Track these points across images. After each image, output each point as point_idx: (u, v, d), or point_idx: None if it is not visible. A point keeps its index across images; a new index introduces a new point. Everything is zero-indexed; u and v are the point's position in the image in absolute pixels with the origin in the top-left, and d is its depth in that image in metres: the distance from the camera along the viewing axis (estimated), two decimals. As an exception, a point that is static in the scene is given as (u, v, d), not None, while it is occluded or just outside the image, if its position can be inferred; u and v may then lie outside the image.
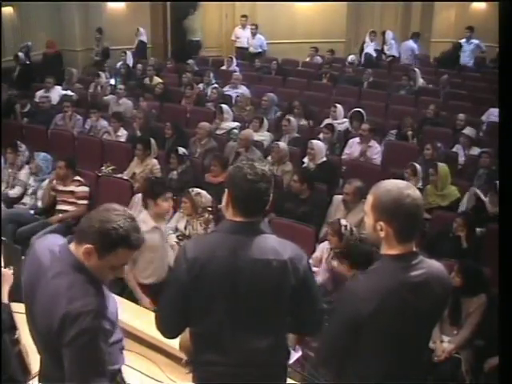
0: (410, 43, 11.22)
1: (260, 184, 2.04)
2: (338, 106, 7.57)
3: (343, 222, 4.52)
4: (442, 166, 5.51)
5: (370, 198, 2.02)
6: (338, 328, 2.03)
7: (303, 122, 7.57)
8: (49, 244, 2.04)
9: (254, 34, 11.48)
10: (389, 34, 11.41)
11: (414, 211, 1.95)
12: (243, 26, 11.58)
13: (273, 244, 2.07)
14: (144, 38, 11.41)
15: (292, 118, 7.05)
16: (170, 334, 2.19)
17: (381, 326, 1.94)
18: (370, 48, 11.15)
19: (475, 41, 10.99)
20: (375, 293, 1.93)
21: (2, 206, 5.55)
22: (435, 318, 2.18)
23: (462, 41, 11.01)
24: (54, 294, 1.86)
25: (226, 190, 2.12)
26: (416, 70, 9.52)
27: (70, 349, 1.82)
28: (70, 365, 1.84)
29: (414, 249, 2.01)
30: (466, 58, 10.94)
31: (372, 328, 1.94)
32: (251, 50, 11.44)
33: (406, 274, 1.96)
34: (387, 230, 1.96)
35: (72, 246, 1.94)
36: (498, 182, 5.16)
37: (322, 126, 7.25)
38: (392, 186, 2.00)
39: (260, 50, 11.44)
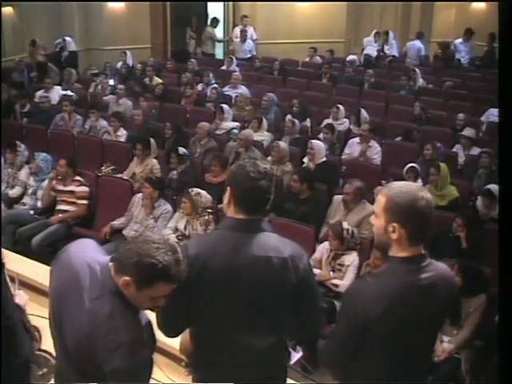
0: (417, 43, 11.08)
1: (262, 182, 2.05)
2: (340, 107, 7.57)
3: (345, 225, 4.52)
4: (443, 166, 5.50)
5: (382, 200, 1.99)
6: (346, 328, 2.03)
7: (307, 123, 7.57)
8: (88, 258, 1.96)
9: (244, 40, 11.35)
10: (390, 34, 11.43)
11: (427, 214, 1.96)
12: (244, 26, 11.57)
13: (273, 242, 2.08)
14: (73, 47, 10.57)
15: (296, 121, 7.04)
16: (170, 332, 2.19)
17: (388, 327, 1.95)
18: (370, 49, 11.15)
19: (472, 43, 11.05)
20: (384, 295, 1.94)
21: (2, 206, 5.56)
22: (441, 320, 2.19)
23: (459, 41, 11.02)
24: (93, 318, 1.84)
25: (228, 187, 2.12)
26: (416, 70, 9.52)
27: (111, 377, 1.82)
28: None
29: (423, 251, 2.01)
30: (461, 59, 10.98)
31: (380, 329, 1.94)
32: (241, 55, 11.32)
33: (416, 277, 1.96)
34: (400, 232, 1.95)
35: (112, 270, 1.88)
36: (489, 186, 5.17)
37: (322, 125, 7.26)
38: (406, 187, 1.99)
39: (249, 56, 11.35)
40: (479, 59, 11.02)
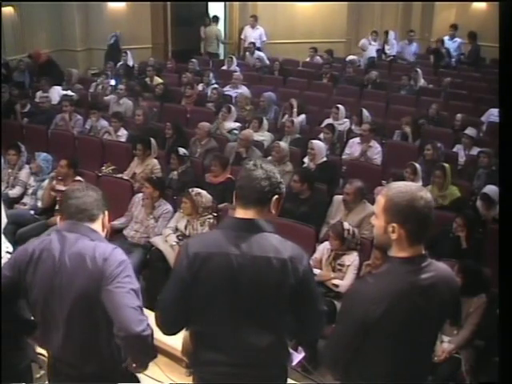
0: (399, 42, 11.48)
1: (256, 171, 2.09)
2: (341, 107, 7.56)
3: (346, 225, 4.52)
4: (447, 167, 5.48)
5: (381, 200, 2.00)
6: (347, 329, 2.03)
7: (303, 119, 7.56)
8: (48, 237, 2.23)
9: (252, 53, 11.18)
10: (391, 34, 11.46)
11: (426, 214, 1.96)
12: (252, 26, 11.56)
13: (273, 242, 2.07)
14: None
15: (295, 120, 7.04)
16: (168, 330, 2.18)
17: (389, 327, 1.95)
18: (372, 50, 11.15)
19: (458, 39, 11.09)
20: (385, 295, 1.94)
21: (3, 206, 5.55)
22: (442, 320, 2.19)
23: (446, 37, 11.07)
24: (82, 254, 2.13)
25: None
26: (418, 70, 9.52)
27: (115, 283, 2.06)
28: (118, 298, 2.05)
29: (423, 251, 2.01)
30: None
31: (380, 330, 1.94)
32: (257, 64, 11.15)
33: (416, 277, 1.96)
34: (399, 232, 1.96)
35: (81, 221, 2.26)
36: (486, 190, 5.16)
37: (322, 125, 7.26)
38: (405, 187, 1.99)
39: (260, 65, 11.31)
40: (465, 57, 11.12)
